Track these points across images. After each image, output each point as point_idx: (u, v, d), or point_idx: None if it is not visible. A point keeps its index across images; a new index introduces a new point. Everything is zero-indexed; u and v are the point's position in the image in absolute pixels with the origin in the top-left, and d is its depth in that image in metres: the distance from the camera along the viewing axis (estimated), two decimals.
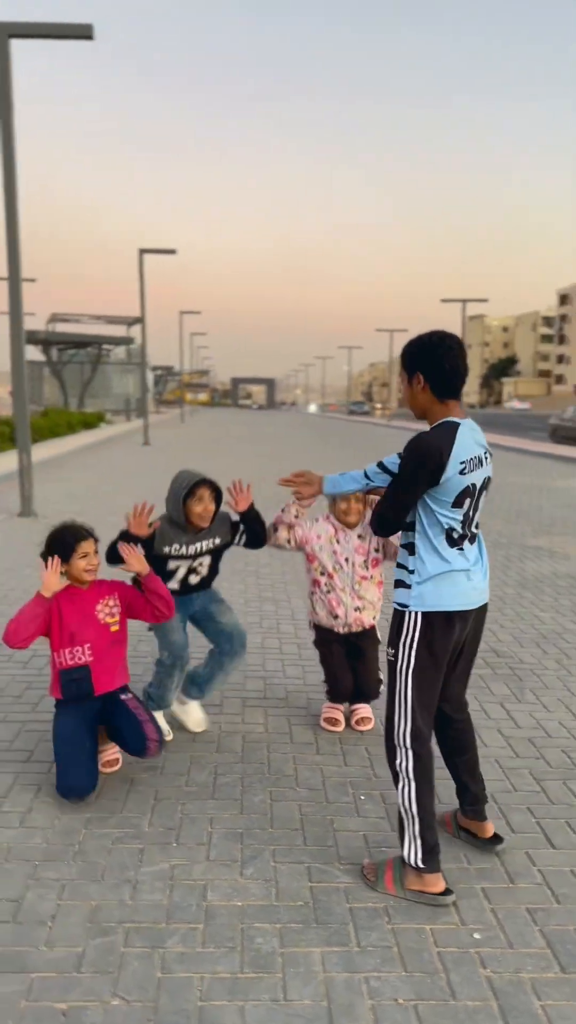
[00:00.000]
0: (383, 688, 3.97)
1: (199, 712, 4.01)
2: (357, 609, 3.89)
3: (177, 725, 4.02)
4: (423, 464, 2.54)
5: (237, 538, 3.83)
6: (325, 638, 4.01)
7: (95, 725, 3.42)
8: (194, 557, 3.72)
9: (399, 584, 2.73)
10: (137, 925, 2.56)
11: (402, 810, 2.73)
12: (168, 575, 3.70)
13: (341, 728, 4.01)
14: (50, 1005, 2.23)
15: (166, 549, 3.65)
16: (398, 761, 2.74)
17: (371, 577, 3.91)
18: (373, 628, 4.04)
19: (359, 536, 3.89)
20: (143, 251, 25.07)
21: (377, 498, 3.20)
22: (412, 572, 2.68)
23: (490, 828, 3.01)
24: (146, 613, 3.46)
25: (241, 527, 3.81)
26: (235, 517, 3.83)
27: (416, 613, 2.67)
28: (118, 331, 47.09)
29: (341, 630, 3.95)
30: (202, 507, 3.61)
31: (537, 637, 5.67)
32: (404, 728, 2.71)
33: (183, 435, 31.76)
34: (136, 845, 3.01)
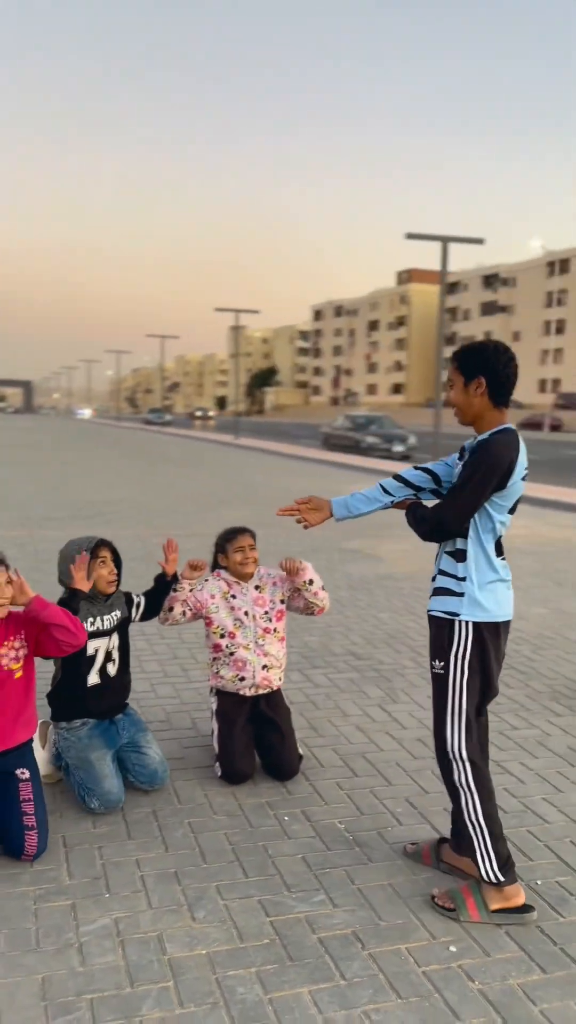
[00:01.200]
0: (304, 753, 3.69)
1: None
2: (265, 667, 3.60)
3: None
4: (497, 469, 2.51)
5: (134, 611, 3.58)
6: (227, 710, 3.59)
7: None
8: (110, 633, 3.41)
9: (444, 592, 2.64)
10: (100, 994, 2.24)
11: (469, 825, 2.61)
12: (88, 663, 3.35)
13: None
14: None
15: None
16: (456, 775, 2.62)
17: (275, 631, 3.64)
18: (279, 692, 3.72)
19: (256, 587, 3.66)
20: None
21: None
22: (463, 579, 2.61)
23: None
24: (50, 646, 2.99)
25: (136, 599, 3.60)
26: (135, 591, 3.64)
27: (467, 623, 2.59)
28: None
29: (248, 692, 3.61)
30: (107, 569, 3.36)
31: (386, 637, 5.81)
32: (460, 740, 2.61)
33: None
34: (63, 902, 2.65)
